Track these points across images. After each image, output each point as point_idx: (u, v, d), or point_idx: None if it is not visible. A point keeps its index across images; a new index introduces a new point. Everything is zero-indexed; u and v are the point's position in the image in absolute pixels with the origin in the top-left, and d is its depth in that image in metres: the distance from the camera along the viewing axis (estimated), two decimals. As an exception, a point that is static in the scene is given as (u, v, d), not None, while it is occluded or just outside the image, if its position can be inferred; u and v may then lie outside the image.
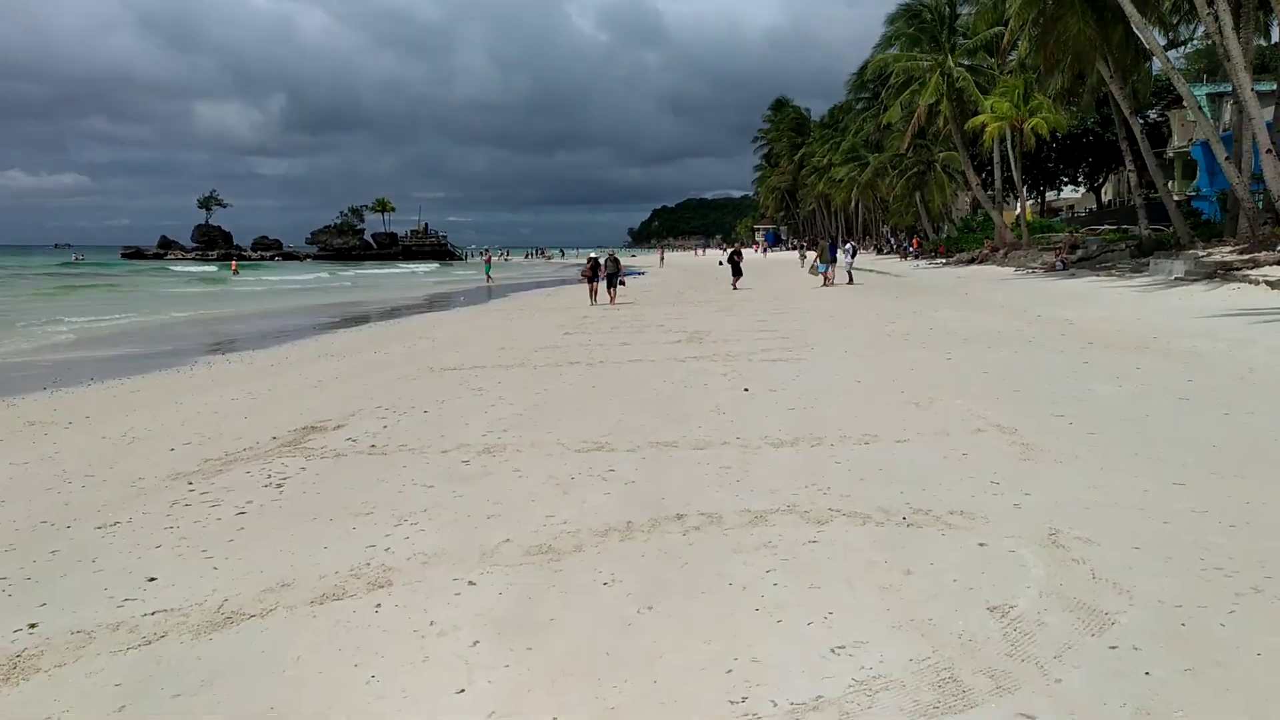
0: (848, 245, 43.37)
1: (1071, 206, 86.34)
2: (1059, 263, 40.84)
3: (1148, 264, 34.14)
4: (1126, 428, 8.79)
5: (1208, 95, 53.47)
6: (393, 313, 35.03)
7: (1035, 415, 9.50)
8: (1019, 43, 46.55)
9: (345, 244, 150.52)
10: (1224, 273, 27.28)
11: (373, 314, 34.94)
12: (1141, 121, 40.01)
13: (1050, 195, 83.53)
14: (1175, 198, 41.85)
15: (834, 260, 38.87)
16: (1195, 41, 52.17)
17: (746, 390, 12.06)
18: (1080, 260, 41.31)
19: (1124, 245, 42.22)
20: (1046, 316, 21.05)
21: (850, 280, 39.01)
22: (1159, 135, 62.92)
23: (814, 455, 8.34)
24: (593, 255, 30.99)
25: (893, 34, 59.85)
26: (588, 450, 8.92)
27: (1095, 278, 34.57)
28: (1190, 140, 59.40)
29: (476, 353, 18.05)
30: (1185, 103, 40.60)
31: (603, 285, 29.72)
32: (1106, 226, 56.34)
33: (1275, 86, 41.61)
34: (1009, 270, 43.88)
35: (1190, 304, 22.20)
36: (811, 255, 38.62)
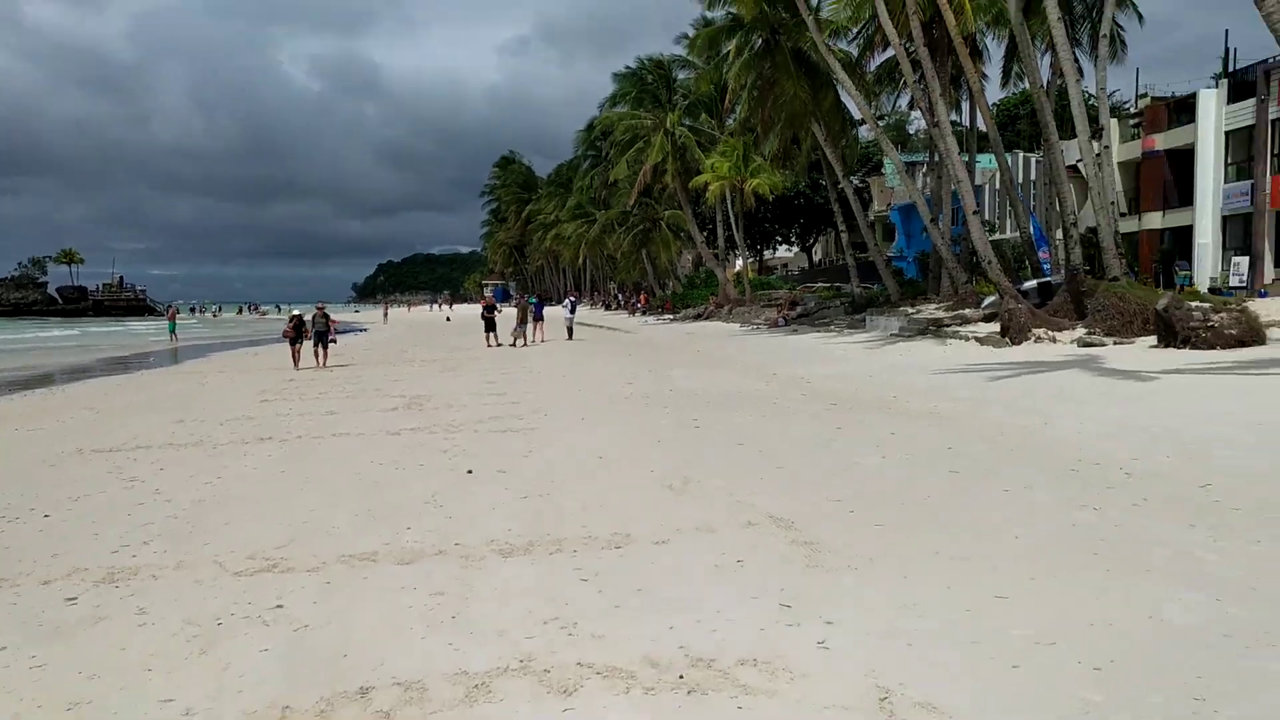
0: (568, 301, 42.40)
1: (786, 265, 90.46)
2: (781, 319, 41.67)
3: (863, 320, 35.21)
4: (912, 514, 7.58)
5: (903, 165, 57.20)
6: (75, 375, 30.26)
7: (808, 499, 8.16)
8: (738, 106, 47.81)
9: (24, 299, 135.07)
10: (935, 329, 28.19)
11: (55, 376, 30.04)
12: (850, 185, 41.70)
13: (767, 254, 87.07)
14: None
15: (539, 319, 37.48)
16: (889, 117, 55.79)
17: (470, 472, 10.13)
18: (800, 316, 42.37)
19: (839, 302, 43.79)
20: (783, 375, 20.45)
21: (570, 336, 37.85)
22: (860, 200, 66.81)
23: (554, 567, 6.54)
24: (296, 312, 27.73)
25: (619, 93, 60.35)
26: (254, 571, 6.69)
27: (816, 333, 35.22)
28: (888, 205, 63.44)
29: (147, 427, 15.02)
30: (893, 166, 42.79)
31: (309, 345, 26.67)
32: (821, 284, 58.85)
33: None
34: (735, 326, 44.35)
35: (913, 360, 22.36)
36: (559, 308, 36.95)
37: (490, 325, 34.65)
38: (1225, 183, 35.34)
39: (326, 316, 27.23)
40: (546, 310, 53.01)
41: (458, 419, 14.54)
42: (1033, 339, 23.39)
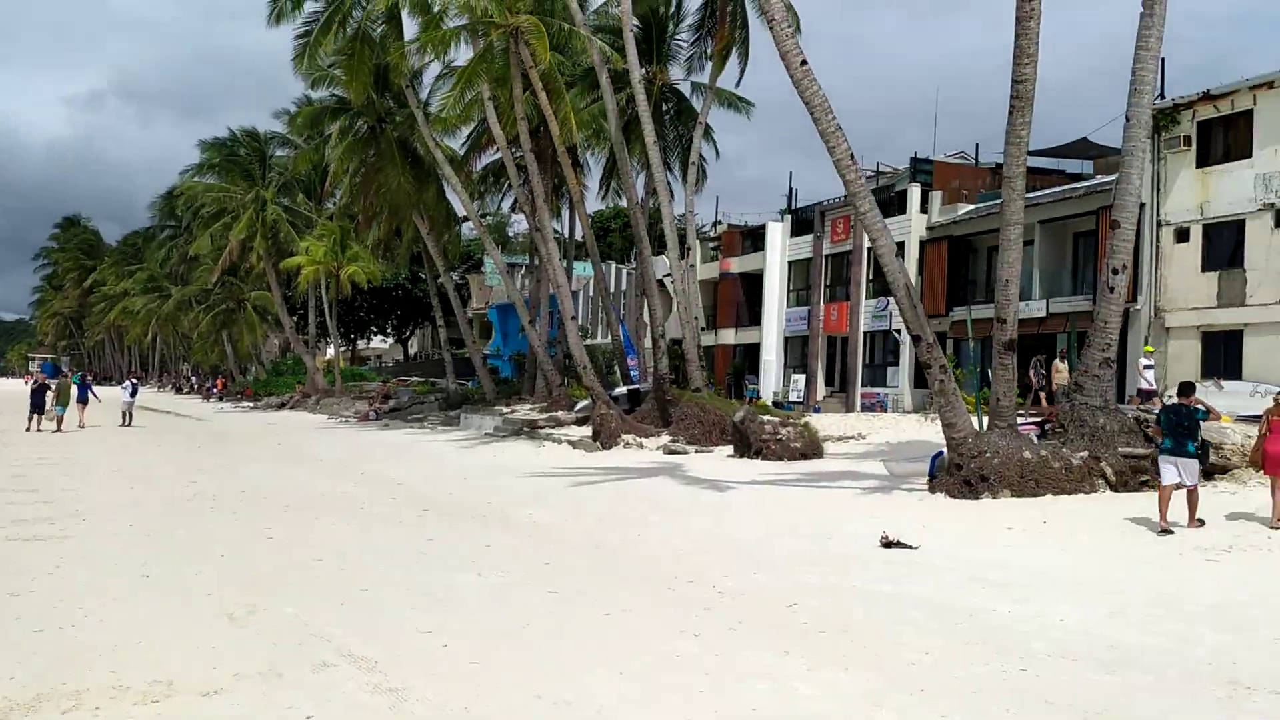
0: (129, 382, 38.02)
1: (380, 356, 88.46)
2: (372, 412, 40.15)
3: (458, 418, 34.72)
4: (512, 646, 6.89)
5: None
6: None
7: (396, 631, 7.21)
8: (340, 190, 46.34)
9: None
10: (530, 430, 28.27)
11: None
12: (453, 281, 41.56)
13: (361, 344, 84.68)
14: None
15: (83, 400, 33.13)
16: (492, 216, 56.83)
17: (-32, 598, 8.09)
18: (393, 411, 41.13)
19: (434, 398, 43.07)
20: (372, 474, 19.25)
21: (128, 422, 33.60)
22: (460, 296, 67.09)
23: (62, 737, 5.09)
24: None
25: (207, 162, 56.25)
26: None
27: (409, 429, 34.20)
28: (487, 303, 64.21)
29: None
30: (493, 264, 43.21)
31: None
32: (415, 378, 57.81)
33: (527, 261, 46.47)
34: (322, 418, 42.11)
35: (509, 461, 22.06)
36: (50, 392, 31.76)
37: (38, 405, 29.94)
38: (788, 307, 39.28)
39: None
40: (105, 391, 47.57)
41: (-34, 524, 11.93)
42: (622, 444, 24.02)
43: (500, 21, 25.73)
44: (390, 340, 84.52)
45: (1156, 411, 13.88)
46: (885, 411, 32.14)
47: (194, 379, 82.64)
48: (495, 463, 22.08)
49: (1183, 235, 24.59)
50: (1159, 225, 24.80)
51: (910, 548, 10.67)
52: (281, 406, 50.38)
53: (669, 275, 30.90)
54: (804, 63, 14.42)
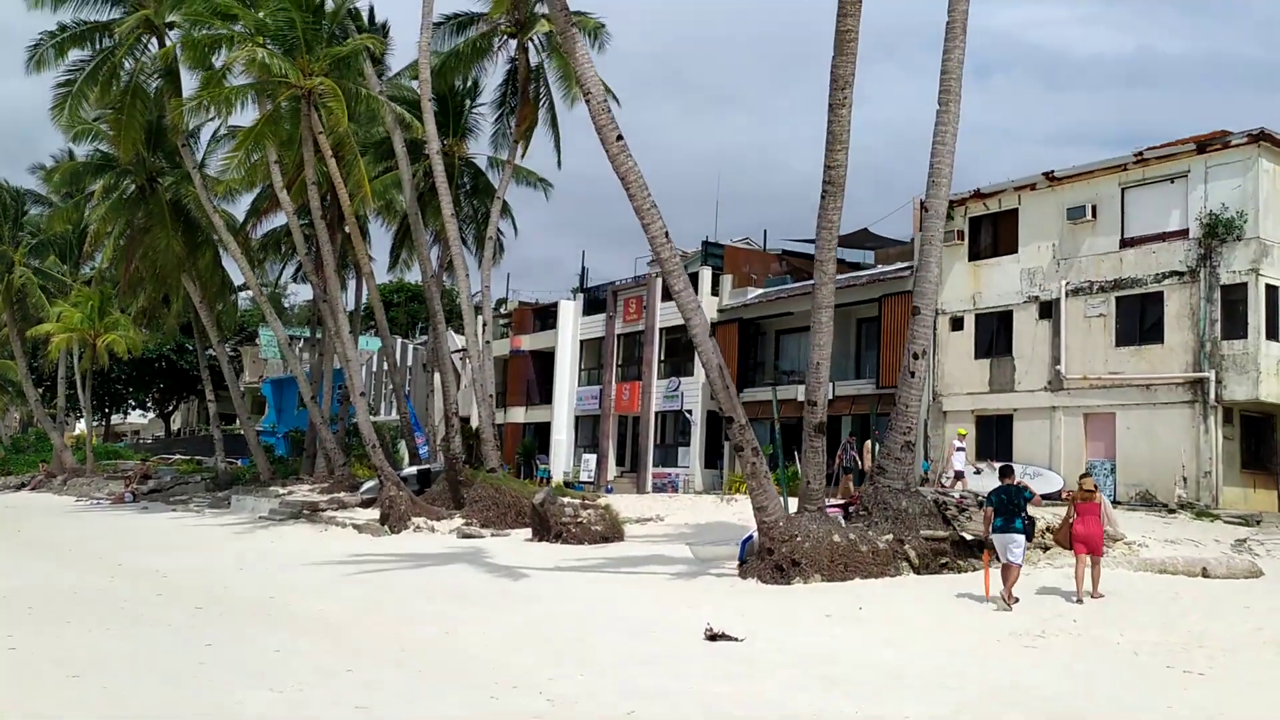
0: None
1: (138, 432, 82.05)
2: (129, 493, 36.82)
3: (228, 500, 32.28)
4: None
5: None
6: None
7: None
8: (100, 253, 42.93)
9: None
10: (310, 513, 26.52)
11: None
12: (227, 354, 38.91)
13: (116, 419, 78.18)
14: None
15: None
16: (269, 287, 54.15)
17: None
18: (153, 492, 37.88)
19: (201, 478, 40.03)
20: (132, 566, 17.25)
21: None
22: (232, 369, 63.24)
23: None
24: None
25: (-55, 218, 50.93)
26: None
27: (172, 512, 31.50)
28: (261, 376, 60.82)
29: None
30: (270, 336, 40.97)
31: None
32: (179, 456, 53.75)
33: (308, 334, 44.76)
34: (71, 500, 38.23)
35: (290, 548, 20.47)
36: None
37: None
38: (579, 386, 38.97)
39: None
40: None
41: None
42: (413, 527, 22.84)
43: (295, 83, 24.50)
44: (151, 415, 78.52)
45: (975, 494, 14.30)
46: (676, 492, 32.07)
47: (-86, 456, 73.72)
48: (274, 549, 20.41)
49: (958, 324, 25.99)
50: (936, 314, 26.08)
51: (736, 640, 10.28)
52: (22, 487, 45.58)
53: (459, 351, 29.99)
54: (620, 138, 14.26)
